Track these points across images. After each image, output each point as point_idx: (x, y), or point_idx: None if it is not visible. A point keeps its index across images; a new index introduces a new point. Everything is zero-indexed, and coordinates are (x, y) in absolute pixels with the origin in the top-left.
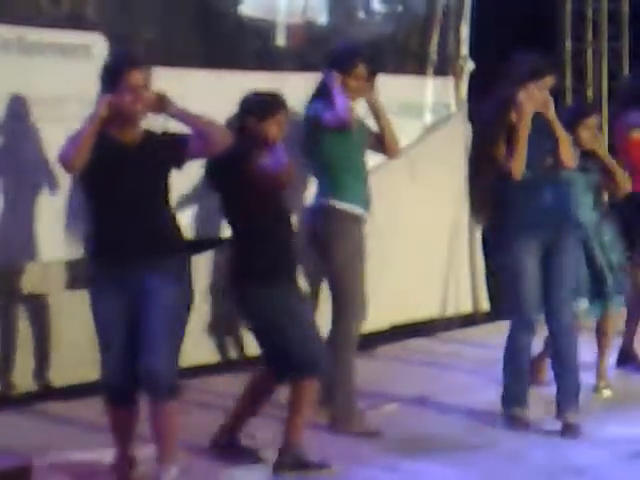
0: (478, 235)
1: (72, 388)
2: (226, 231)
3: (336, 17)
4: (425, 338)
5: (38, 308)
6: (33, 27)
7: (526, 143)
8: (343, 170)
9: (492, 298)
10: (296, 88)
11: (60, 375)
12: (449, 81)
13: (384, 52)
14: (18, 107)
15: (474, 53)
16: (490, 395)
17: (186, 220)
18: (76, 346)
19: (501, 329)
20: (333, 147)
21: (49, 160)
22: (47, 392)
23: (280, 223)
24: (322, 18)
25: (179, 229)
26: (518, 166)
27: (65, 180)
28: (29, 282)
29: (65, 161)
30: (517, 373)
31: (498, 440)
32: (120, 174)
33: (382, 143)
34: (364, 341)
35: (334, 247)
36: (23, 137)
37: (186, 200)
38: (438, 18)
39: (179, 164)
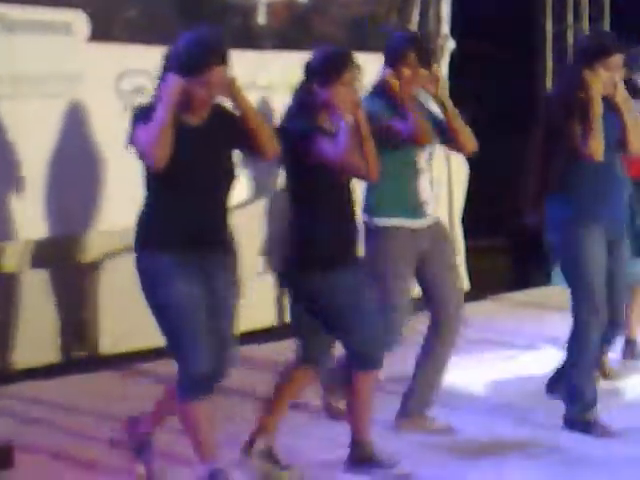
0: (457, 213)
1: (38, 369)
2: None
3: None
4: None
5: (6, 287)
6: (15, 4)
7: (601, 123)
8: (383, 176)
9: (472, 278)
10: (277, 67)
11: (26, 356)
12: None
13: (364, 30)
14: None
15: (455, 32)
16: (466, 375)
17: None
18: (43, 327)
19: (481, 309)
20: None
21: (28, 138)
22: (13, 373)
23: (339, 204)
24: None
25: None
26: (597, 146)
27: (39, 160)
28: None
29: (150, 159)
30: (586, 372)
31: (466, 421)
32: (189, 156)
33: (452, 137)
34: None
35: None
36: (4, 113)
37: None
38: None
39: (241, 147)
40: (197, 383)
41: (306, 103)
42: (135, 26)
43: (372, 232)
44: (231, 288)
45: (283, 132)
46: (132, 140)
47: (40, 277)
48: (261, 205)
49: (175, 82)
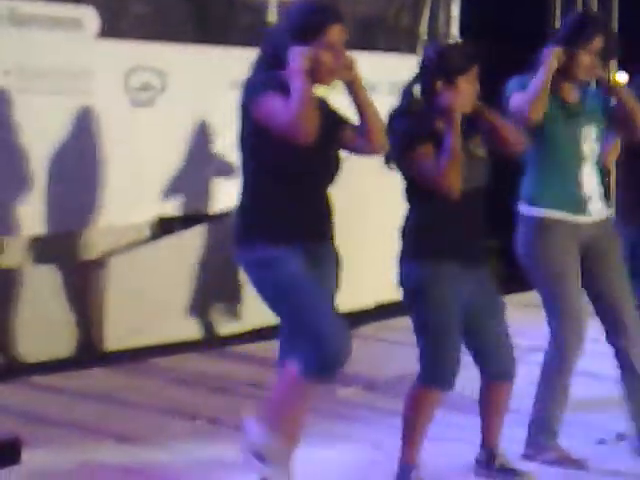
0: None
1: (45, 364)
2: (211, 207)
3: None
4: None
5: (10, 281)
6: (25, 0)
7: None
8: (548, 165)
9: None
10: None
11: (32, 351)
12: None
13: (375, 30)
14: (8, 78)
15: (463, 33)
16: (469, 378)
17: (174, 195)
18: (49, 322)
19: None
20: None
21: (36, 133)
22: (20, 368)
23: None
24: None
25: None
26: None
27: (46, 155)
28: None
29: (297, 133)
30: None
31: (469, 423)
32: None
33: (628, 128)
34: (348, 320)
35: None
36: (12, 108)
37: (174, 175)
38: None
39: (346, 142)
40: (329, 362)
41: (427, 102)
42: (144, 23)
43: (527, 223)
44: (334, 279)
45: (392, 132)
46: (261, 115)
47: (46, 272)
48: None
49: (301, 50)
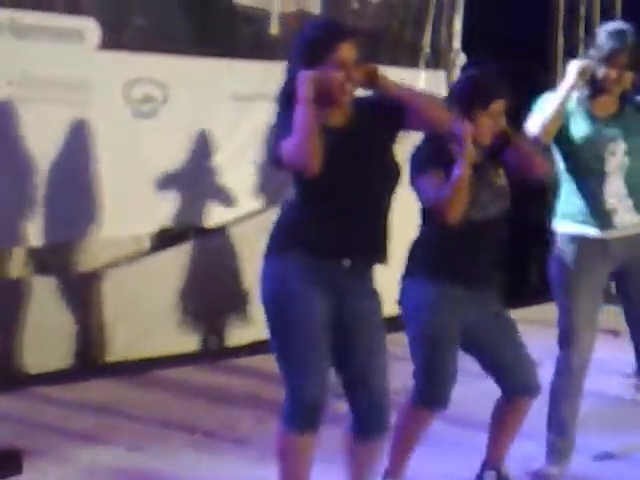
0: None
1: (47, 375)
2: (209, 220)
3: (330, 6)
4: None
5: (12, 292)
6: (27, 10)
7: None
8: (572, 180)
9: None
10: None
11: (35, 361)
12: (441, 74)
13: (378, 44)
14: (10, 89)
15: (465, 47)
16: (468, 392)
17: (168, 208)
18: (51, 333)
19: None
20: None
21: (36, 144)
22: (22, 378)
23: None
24: (316, 7)
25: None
26: None
27: (46, 166)
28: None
29: (302, 165)
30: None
31: (468, 436)
32: (339, 163)
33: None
34: None
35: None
36: (14, 119)
37: (168, 187)
38: (431, 10)
39: (395, 137)
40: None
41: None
42: (146, 34)
43: (556, 238)
44: (371, 301)
45: (412, 154)
46: (277, 154)
47: (47, 283)
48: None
49: (306, 75)
